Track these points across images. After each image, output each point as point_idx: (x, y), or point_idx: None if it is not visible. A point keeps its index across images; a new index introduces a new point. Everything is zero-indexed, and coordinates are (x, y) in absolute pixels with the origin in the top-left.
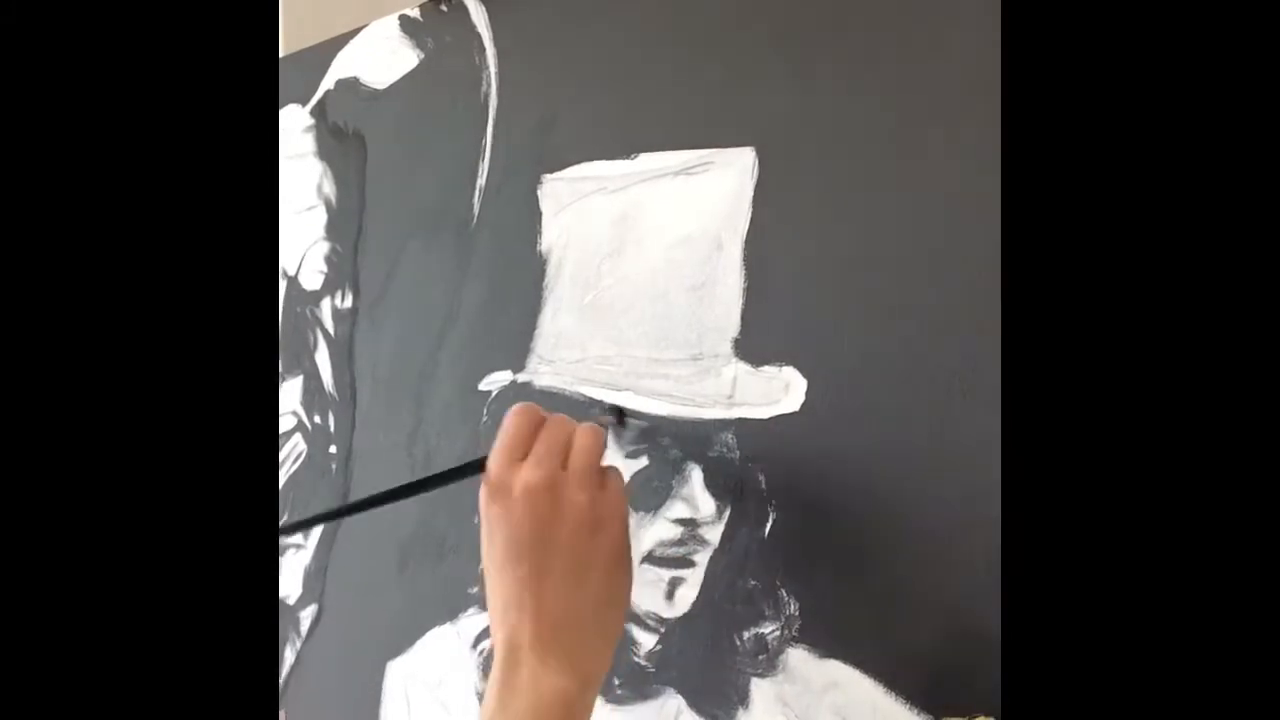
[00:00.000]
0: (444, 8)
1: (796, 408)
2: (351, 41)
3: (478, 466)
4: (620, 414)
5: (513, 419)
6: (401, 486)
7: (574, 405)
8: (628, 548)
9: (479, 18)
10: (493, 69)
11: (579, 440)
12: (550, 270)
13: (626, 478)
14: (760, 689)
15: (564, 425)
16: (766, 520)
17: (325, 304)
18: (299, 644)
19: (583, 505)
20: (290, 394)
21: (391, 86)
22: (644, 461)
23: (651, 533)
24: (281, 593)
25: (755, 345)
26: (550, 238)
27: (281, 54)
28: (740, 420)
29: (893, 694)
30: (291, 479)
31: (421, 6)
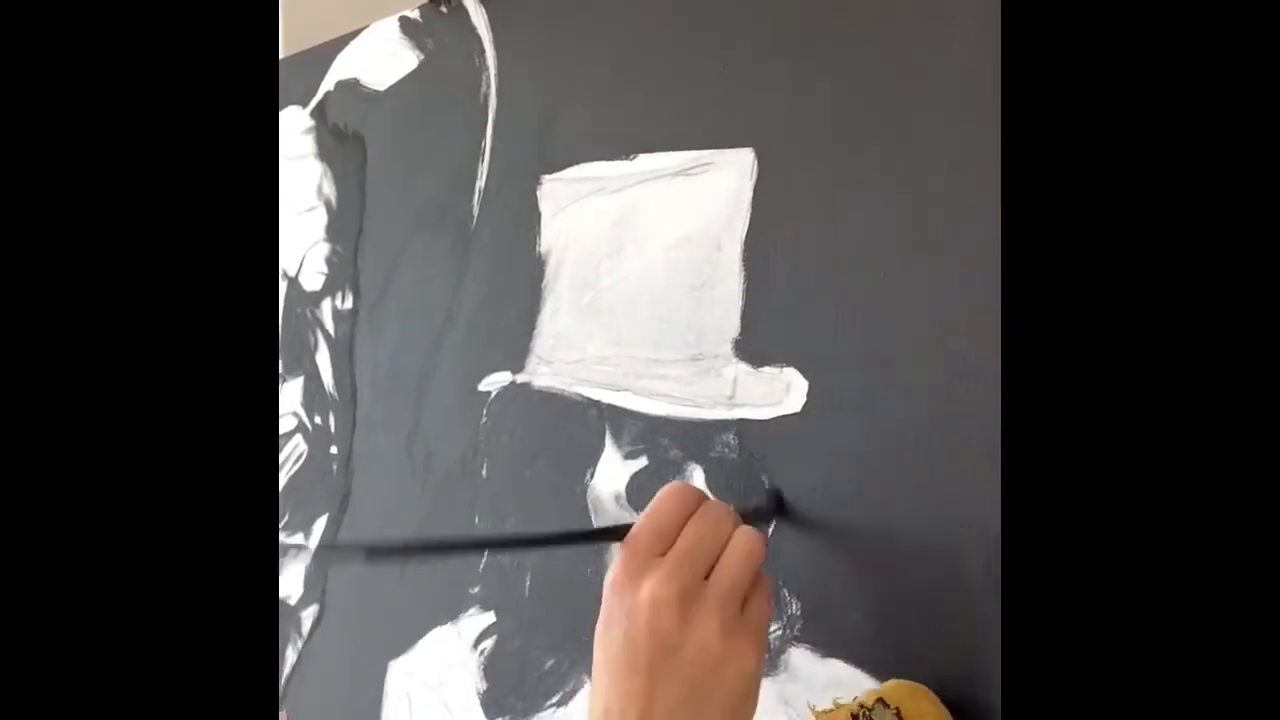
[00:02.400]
0: (444, 9)
1: (798, 408)
2: (351, 43)
3: (619, 534)
4: (780, 503)
5: (665, 499)
6: (534, 537)
7: (573, 405)
8: (757, 683)
9: (479, 19)
10: (492, 70)
11: (734, 545)
12: (549, 271)
13: (626, 478)
14: (762, 688)
15: (720, 522)
16: (769, 521)
17: (325, 305)
18: (300, 644)
19: (714, 632)
20: (291, 395)
21: (391, 88)
22: (643, 462)
23: None
24: (283, 593)
25: (755, 346)
26: (549, 238)
27: (281, 55)
28: (741, 421)
29: None
30: (292, 480)
31: (421, 8)
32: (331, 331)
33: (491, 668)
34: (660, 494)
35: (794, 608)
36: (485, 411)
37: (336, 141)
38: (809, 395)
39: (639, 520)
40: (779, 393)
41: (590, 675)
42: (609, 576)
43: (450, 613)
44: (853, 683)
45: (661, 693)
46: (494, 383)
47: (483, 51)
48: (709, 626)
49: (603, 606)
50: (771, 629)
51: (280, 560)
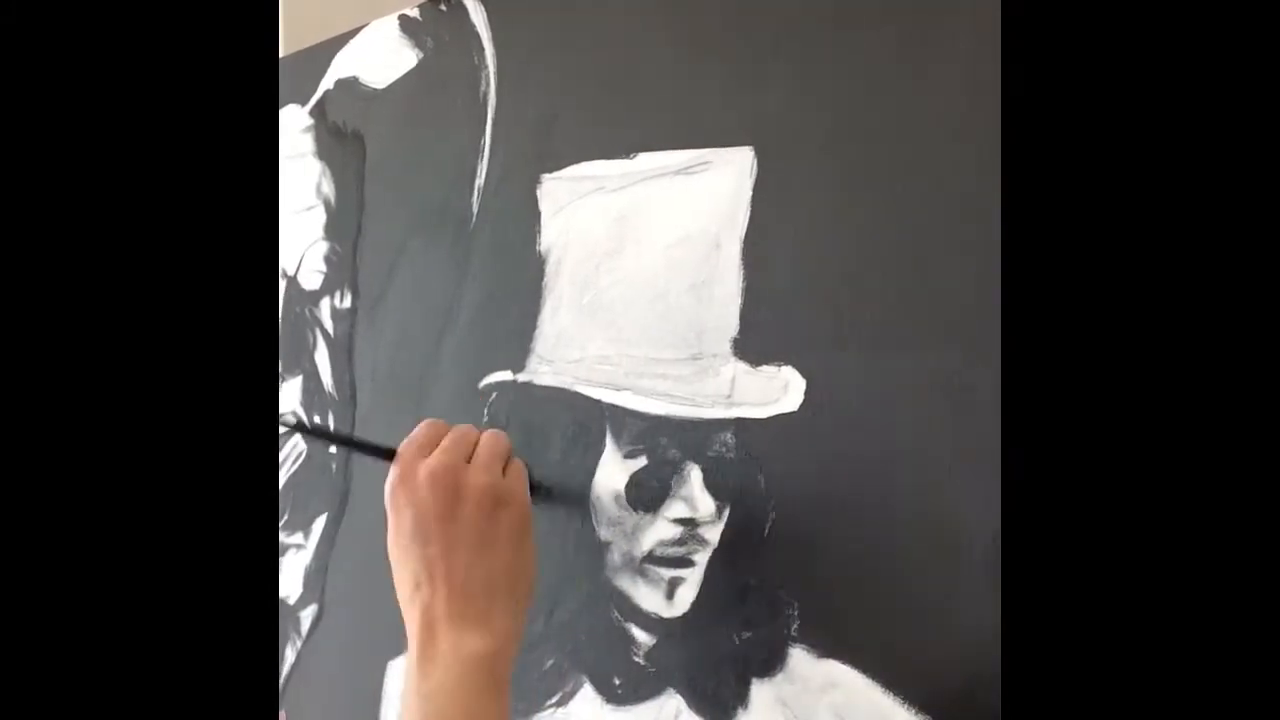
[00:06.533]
0: (443, 7)
1: (795, 407)
2: (351, 41)
3: (391, 454)
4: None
5: (423, 426)
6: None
7: (573, 405)
8: (529, 524)
9: (478, 17)
10: (492, 68)
11: (484, 438)
12: (549, 270)
13: (625, 477)
14: (759, 689)
15: (471, 430)
16: (766, 520)
17: (324, 304)
18: (299, 644)
19: (484, 485)
20: (290, 394)
21: (391, 86)
22: (643, 461)
23: (651, 533)
24: (282, 592)
25: (754, 345)
26: (549, 237)
27: (281, 54)
28: (739, 420)
29: (891, 694)
30: (291, 479)
31: (421, 6)
32: (330, 330)
33: None
34: (419, 425)
35: (791, 608)
36: (485, 411)
37: (336, 140)
38: (806, 394)
39: (405, 440)
40: (776, 391)
41: (585, 676)
42: (388, 480)
43: None
44: (850, 684)
45: (459, 548)
46: (494, 382)
47: (482, 50)
48: (479, 483)
49: (389, 510)
50: (768, 629)
51: (279, 559)
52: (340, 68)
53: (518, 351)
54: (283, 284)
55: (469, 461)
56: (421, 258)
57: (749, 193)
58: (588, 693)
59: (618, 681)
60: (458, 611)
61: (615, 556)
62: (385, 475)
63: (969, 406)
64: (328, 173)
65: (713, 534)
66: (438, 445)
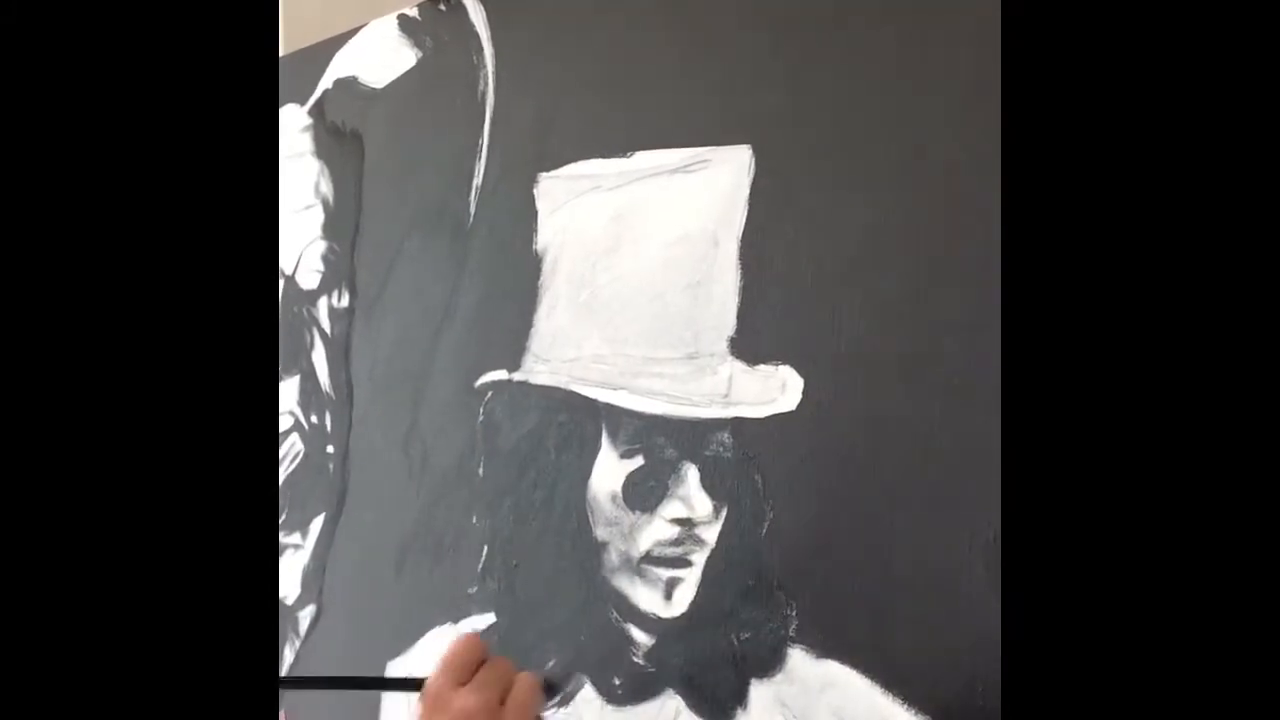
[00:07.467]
0: (442, 7)
1: (793, 406)
2: (350, 41)
3: (417, 685)
4: (551, 689)
5: (459, 644)
6: (346, 678)
7: (569, 404)
8: None
9: (477, 17)
10: (490, 68)
11: (519, 683)
12: (546, 269)
13: (621, 477)
14: (758, 689)
15: (507, 665)
16: (764, 520)
17: (322, 303)
18: (298, 644)
19: None
20: (287, 394)
21: (389, 86)
22: (639, 461)
23: (648, 533)
24: (280, 593)
25: (751, 344)
26: (546, 236)
27: (281, 54)
28: (736, 419)
29: (890, 694)
30: (289, 479)
31: (420, 6)
32: (328, 330)
33: None
34: (454, 640)
35: (790, 608)
36: (482, 410)
37: (334, 139)
38: (804, 393)
39: (440, 659)
40: (774, 391)
41: (585, 677)
42: (420, 705)
43: (449, 613)
44: (849, 684)
45: None
46: (491, 381)
47: (481, 49)
48: None
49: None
50: (767, 629)
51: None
52: (339, 67)
53: (514, 350)
54: (281, 283)
55: (503, 703)
56: (419, 257)
57: (747, 191)
58: (588, 693)
59: (617, 682)
60: None
61: (612, 557)
62: (384, 476)
63: (969, 406)
64: (326, 172)
65: (710, 534)
66: (471, 673)
